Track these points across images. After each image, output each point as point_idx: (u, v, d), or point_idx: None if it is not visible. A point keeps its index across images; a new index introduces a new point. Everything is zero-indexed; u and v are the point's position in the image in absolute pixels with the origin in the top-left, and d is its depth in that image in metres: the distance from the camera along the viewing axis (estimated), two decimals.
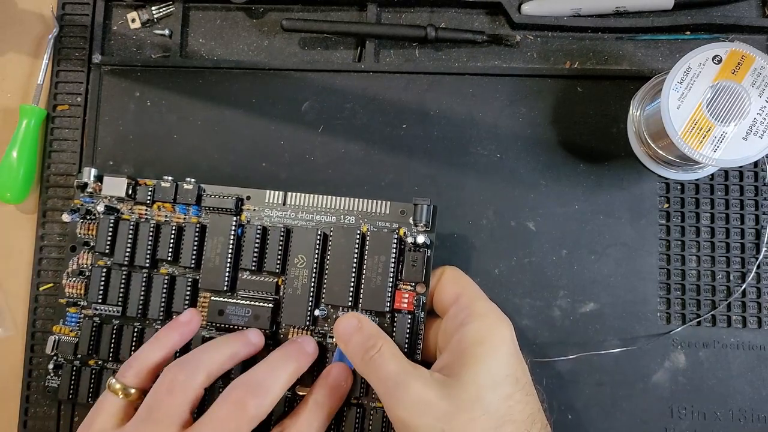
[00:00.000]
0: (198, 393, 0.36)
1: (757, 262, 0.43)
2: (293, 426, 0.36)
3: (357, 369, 0.37)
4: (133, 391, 0.36)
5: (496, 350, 0.35)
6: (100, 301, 0.42)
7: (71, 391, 0.42)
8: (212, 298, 0.41)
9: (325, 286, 0.40)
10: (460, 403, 0.33)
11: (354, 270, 0.39)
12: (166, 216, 0.42)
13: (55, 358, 0.43)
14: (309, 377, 0.39)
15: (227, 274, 0.41)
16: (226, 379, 0.38)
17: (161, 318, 0.42)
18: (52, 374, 0.43)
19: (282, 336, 0.41)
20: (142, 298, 0.42)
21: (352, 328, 0.37)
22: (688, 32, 0.45)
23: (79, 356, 0.42)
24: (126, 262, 0.42)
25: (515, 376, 0.35)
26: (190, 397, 0.35)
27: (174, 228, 0.42)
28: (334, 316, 0.40)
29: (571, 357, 0.42)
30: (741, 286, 0.43)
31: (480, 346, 0.35)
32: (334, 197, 0.41)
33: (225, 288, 0.41)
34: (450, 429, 0.32)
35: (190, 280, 0.41)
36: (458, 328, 0.36)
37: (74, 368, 0.42)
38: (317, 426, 0.36)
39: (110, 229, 0.42)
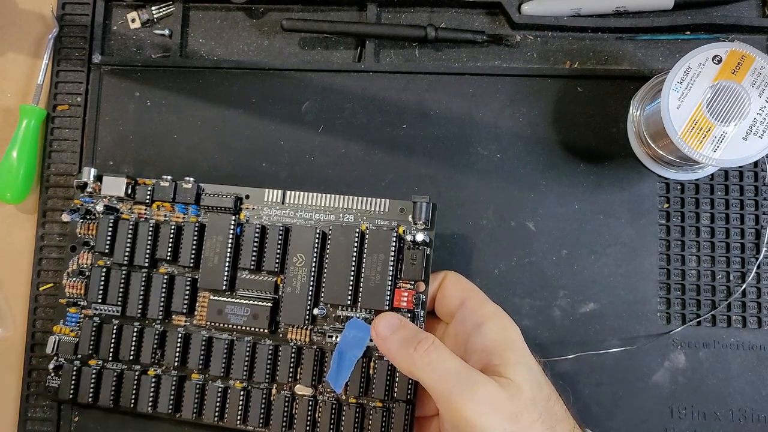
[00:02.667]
0: None
1: (757, 262, 0.43)
2: None
3: (401, 365, 0.35)
4: None
5: (523, 350, 0.36)
6: (100, 301, 0.42)
7: (71, 391, 0.42)
8: (211, 297, 0.41)
9: (324, 284, 0.40)
10: (523, 405, 0.33)
11: (353, 268, 0.39)
12: (165, 215, 0.42)
13: (55, 358, 0.43)
14: (309, 377, 0.39)
15: (226, 273, 0.41)
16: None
17: (161, 317, 0.42)
18: (52, 374, 0.43)
19: (281, 335, 0.41)
20: (141, 297, 0.42)
21: (395, 325, 0.36)
22: (688, 32, 0.45)
23: (80, 356, 0.42)
24: (125, 262, 0.42)
25: (542, 372, 0.36)
26: None
27: (173, 227, 0.42)
28: (333, 315, 0.40)
29: (570, 357, 0.42)
30: (741, 286, 0.43)
31: (507, 343, 0.35)
32: (332, 195, 0.41)
33: (224, 287, 0.41)
34: (515, 430, 0.32)
35: (189, 279, 0.41)
36: (474, 330, 0.36)
37: (74, 368, 0.42)
38: None
39: (110, 229, 0.42)
